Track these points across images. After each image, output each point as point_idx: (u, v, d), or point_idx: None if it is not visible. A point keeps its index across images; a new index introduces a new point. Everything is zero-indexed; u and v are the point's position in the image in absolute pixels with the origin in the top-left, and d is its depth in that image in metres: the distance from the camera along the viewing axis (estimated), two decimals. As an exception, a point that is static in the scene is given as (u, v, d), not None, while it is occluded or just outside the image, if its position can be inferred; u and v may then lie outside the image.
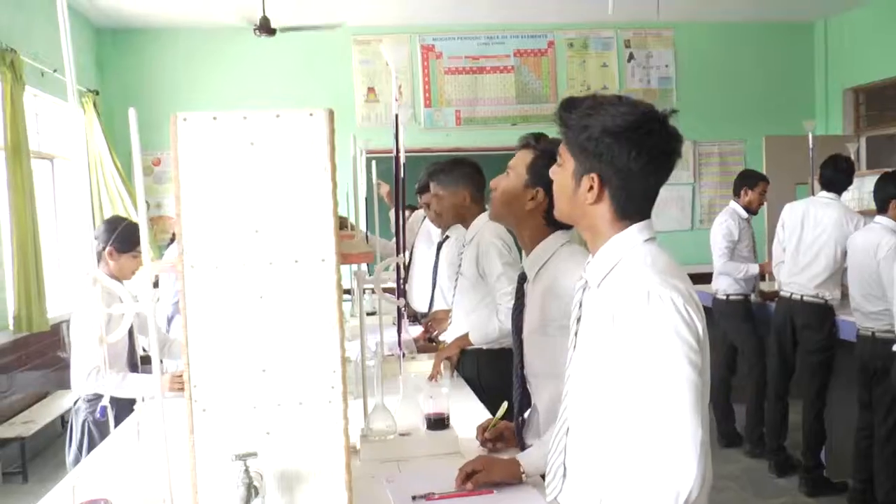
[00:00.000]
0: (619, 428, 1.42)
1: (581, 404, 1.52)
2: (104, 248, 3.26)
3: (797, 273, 4.60)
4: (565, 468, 1.56)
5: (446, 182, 3.30)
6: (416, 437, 2.25)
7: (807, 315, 4.53)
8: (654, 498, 1.34)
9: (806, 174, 5.85)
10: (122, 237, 3.24)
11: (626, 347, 1.39)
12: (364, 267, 2.30)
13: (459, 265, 3.33)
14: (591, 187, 1.47)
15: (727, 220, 5.19)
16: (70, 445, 3.19)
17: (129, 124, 1.47)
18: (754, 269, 5.12)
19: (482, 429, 2.25)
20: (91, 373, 3.10)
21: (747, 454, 5.09)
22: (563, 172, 1.54)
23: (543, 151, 2.06)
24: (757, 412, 5.10)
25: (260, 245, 1.38)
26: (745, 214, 5.21)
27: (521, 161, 2.10)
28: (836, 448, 4.54)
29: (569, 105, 1.51)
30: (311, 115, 1.38)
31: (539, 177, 2.02)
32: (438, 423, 2.26)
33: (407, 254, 4.52)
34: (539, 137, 2.14)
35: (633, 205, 1.49)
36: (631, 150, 1.43)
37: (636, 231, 1.49)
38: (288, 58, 7.57)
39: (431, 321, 3.68)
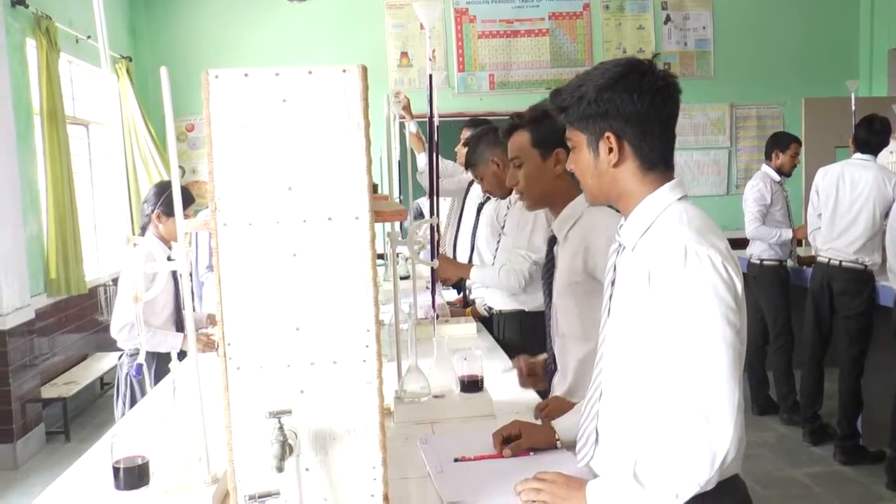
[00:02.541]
0: (655, 389, 1.41)
1: (616, 368, 1.51)
2: (153, 211, 3.37)
3: (834, 238, 4.51)
4: (597, 434, 1.55)
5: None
6: (450, 399, 2.24)
7: (845, 280, 4.45)
8: (691, 459, 1.33)
9: (846, 137, 5.70)
10: (169, 200, 3.31)
11: (663, 306, 1.37)
12: (398, 228, 2.29)
13: (503, 225, 3.34)
14: (611, 148, 1.48)
15: (759, 184, 5.09)
16: (117, 399, 3.31)
17: (162, 83, 1.47)
18: (787, 234, 5.02)
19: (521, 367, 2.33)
20: (123, 328, 3.23)
21: (783, 422, 5.05)
22: (578, 153, 1.54)
23: (532, 121, 2.20)
24: (787, 380, 5.05)
25: (293, 202, 1.37)
26: (777, 178, 5.10)
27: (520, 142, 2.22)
28: (873, 416, 4.48)
29: (556, 92, 1.55)
30: (344, 71, 1.36)
31: (548, 143, 2.15)
32: (472, 385, 2.26)
33: (454, 215, 4.52)
34: (521, 115, 2.25)
35: (655, 151, 1.48)
36: (632, 94, 1.44)
37: (668, 190, 1.47)
38: (321, 23, 7.53)
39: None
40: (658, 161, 1.48)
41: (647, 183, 1.48)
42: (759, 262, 5.11)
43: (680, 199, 1.47)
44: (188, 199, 3.47)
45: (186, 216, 3.39)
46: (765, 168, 5.16)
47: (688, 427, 1.33)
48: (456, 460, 1.85)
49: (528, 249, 3.09)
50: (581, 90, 1.47)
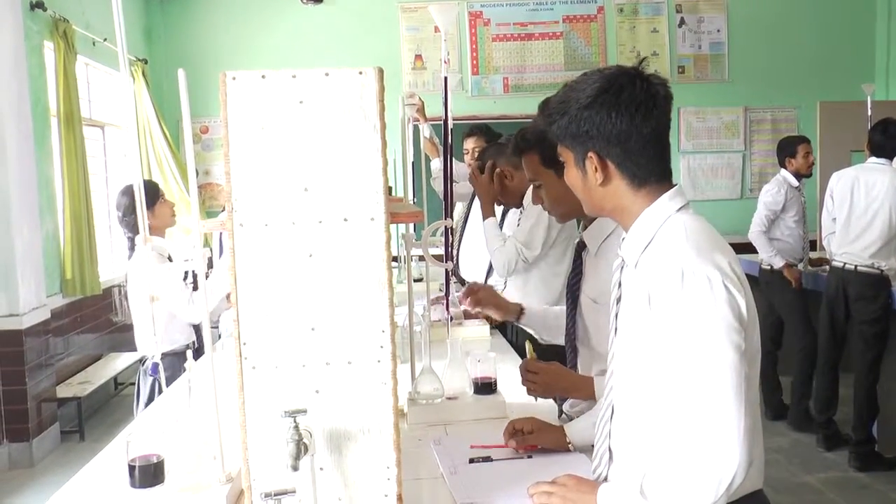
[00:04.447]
0: (661, 412, 1.37)
1: (625, 386, 1.47)
2: (133, 213, 3.43)
3: (849, 243, 4.48)
4: (611, 452, 1.52)
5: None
6: (463, 400, 2.25)
7: (861, 285, 4.42)
8: (696, 483, 1.29)
9: (862, 141, 5.67)
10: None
11: (664, 330, 1.33)
12: (412, 230, 2.29)
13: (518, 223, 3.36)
14: (595, 168, 1.43)
15: (773, 189, 5.06)
16: (138, 404, 3.32)
17: (179, 85, 1.48)
18: (778, 262, 4.97)
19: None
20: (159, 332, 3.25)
21: (791, 428, 5.01)
22: (569, 170, 1.51)
23: (539, 140, 2.09)
24: (804, 385, 5.00)
25: (309, 203, 1.38)
26: (795, 182, 5.07)
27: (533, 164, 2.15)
28: (889, 422, 4.44)
29: (545, 104, 1.52)
30: (360, 73, 1.37)
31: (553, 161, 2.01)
32: (486, 387, 2.26)
33: (460, 221, 4.51)
34: (525, 135, 2.16)
35: (643, 167, 1.42)
36: (610, 113, 1.39)
37: (667, 200, 1.42)
38: (335, 26, 7.57)
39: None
40: (648, 176, 1.43)
41: (642, 197, 1.43)
42: (769, 267, 5.08)
43: (680, 208, 1.42)
44: (155, 191, 3.58)
45: (164, 200, 3.59)
46: (784, 173, 5.12)
47: (694, 451, 1.30)
48: (471, 461, 1.85)
49: (524, 244, 3.13)
50: (565, 106, 1.43)
